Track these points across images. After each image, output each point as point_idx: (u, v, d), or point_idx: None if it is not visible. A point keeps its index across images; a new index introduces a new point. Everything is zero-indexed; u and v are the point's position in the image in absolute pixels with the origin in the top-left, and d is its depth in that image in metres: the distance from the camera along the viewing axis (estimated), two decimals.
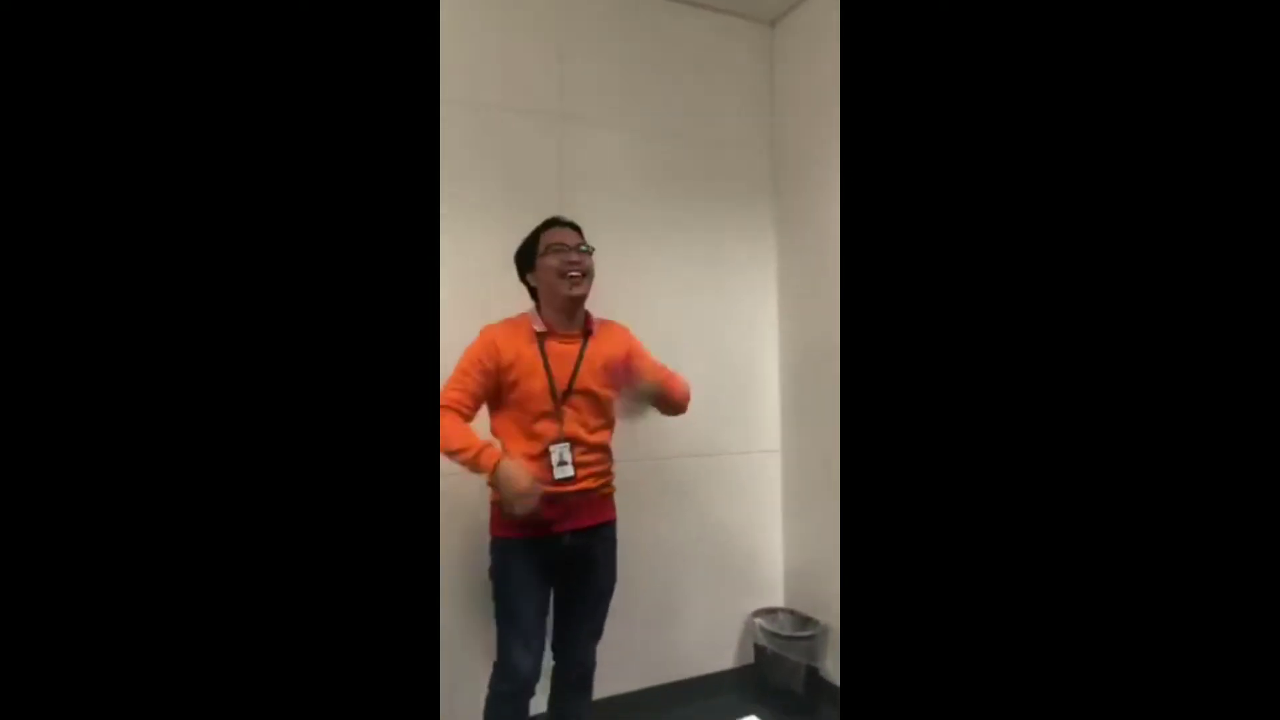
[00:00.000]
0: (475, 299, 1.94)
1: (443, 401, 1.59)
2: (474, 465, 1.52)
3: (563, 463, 1.62)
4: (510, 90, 2.18)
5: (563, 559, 1.67)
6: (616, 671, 2.26)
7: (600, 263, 2.32)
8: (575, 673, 1.77)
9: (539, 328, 1.68)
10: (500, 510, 1.63)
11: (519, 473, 1.51)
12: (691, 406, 2.40)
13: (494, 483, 1.53)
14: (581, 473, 1.65)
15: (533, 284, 1.74)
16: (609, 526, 1.76)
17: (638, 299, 2.34)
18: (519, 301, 1.92)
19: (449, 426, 1.55)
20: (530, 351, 1.64)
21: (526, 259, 1.73)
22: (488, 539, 1.70)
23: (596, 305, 2.28)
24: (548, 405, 1.63)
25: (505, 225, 2.10)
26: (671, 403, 1.76)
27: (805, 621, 2.43)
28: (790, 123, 2.58)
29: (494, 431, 1.68)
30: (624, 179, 2.36)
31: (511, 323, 1.69)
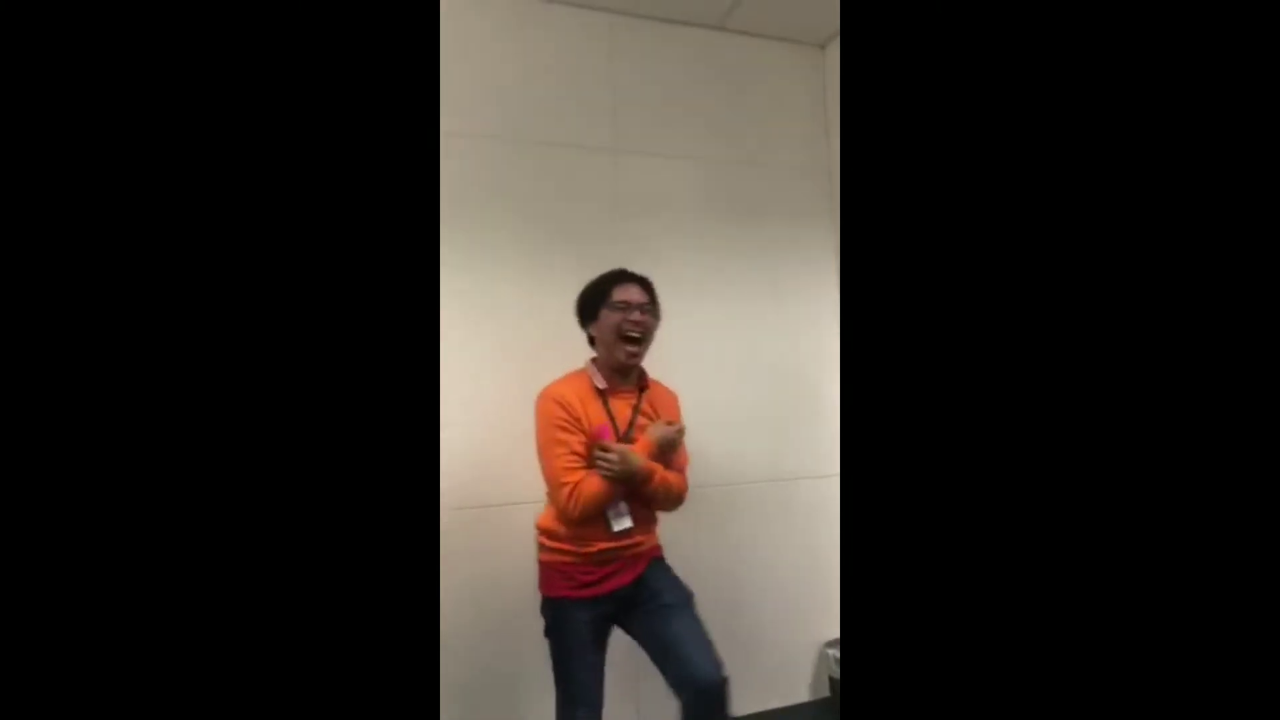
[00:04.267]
0: (535, 334, 1.98)
1: (564, 483, 1.50)
2: (643, 480, 1.53)
3: (620, 515, 1.56)
4: (564, 127, 2.24)
5: (618, 608, 1.60)
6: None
7: (659, 291, 2.34)
8: (704, 699, 1.52)
9: (600, 385, 1.62)
10: (548, 568, 1.60)
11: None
12: (757, 432, 2.38)
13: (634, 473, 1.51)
14: (638, 529, 1.59)
15: (592, 334, 1.68)
16: (656, 560, 1.68)
17: (697, 325, 2.34)
18: (580, 337, 1.95)
19: (592, 487, 1.49)
20: (596, 408, 1.58)
21: (589, 308, 1.66)
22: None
23: (659, 333, 2.30)
24: None
25: (564, 261, 2.15)
26: (666, 487, 1.61)
27: None
28: None
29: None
30: (680, 208, 2.38)
31: (572, 379, 1.63)
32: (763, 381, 2.43)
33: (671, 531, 2.20)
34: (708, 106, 2.46)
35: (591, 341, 1.70)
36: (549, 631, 1.59)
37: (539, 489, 1.63)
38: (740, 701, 2.33)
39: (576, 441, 1.53)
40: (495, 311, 2.10)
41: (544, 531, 1.61)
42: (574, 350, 2.15)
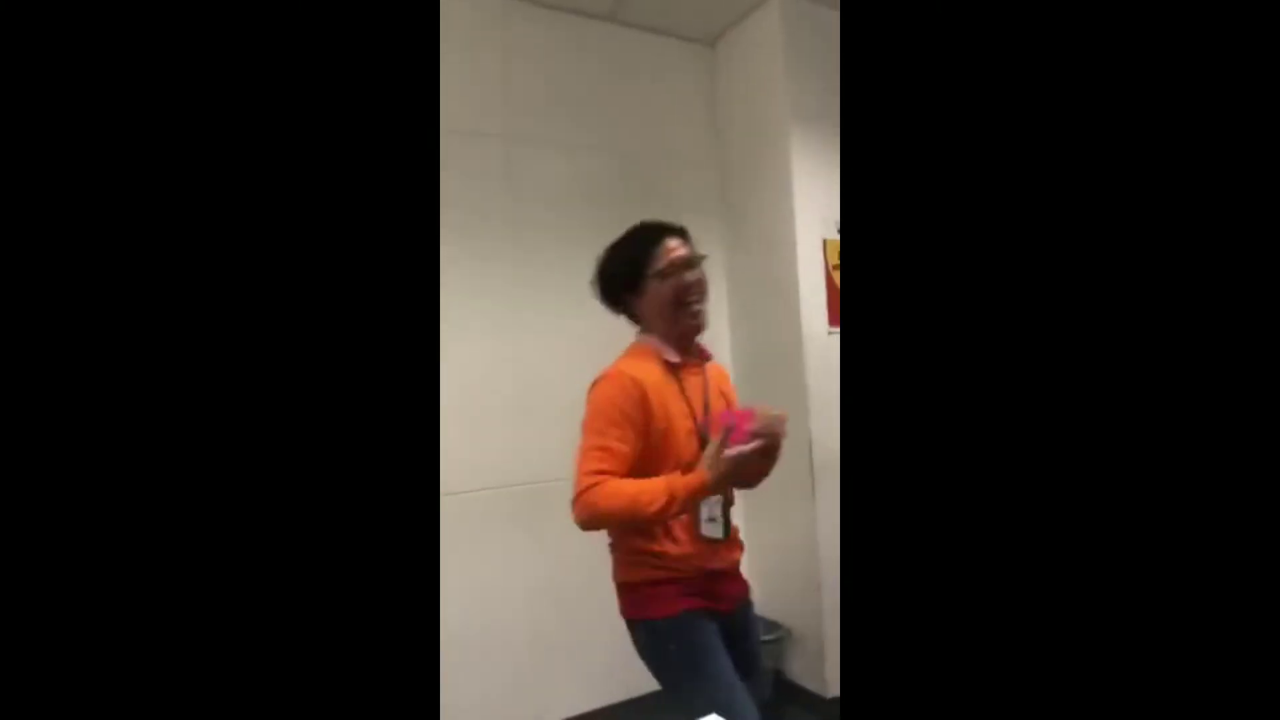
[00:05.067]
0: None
1: (592, 477, 1.16)
2: (681, 507, 1.16)
3: (712, 519, 1.29)
4: (455, 113, 2.20)
5: (727, 638, 1.32)
6: (578, 688, 2.27)
7: (547, 277, 2.34)
8: None
9: (673, 359, 1.32)
10: (660, 586, 1.27)
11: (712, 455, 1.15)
12: None
13: (707, 490, 1.16)
14: (734, 534, 1.35)
15: (634, 310, 1.37)
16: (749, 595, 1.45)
17: (585, 312, 2.36)
18: (466, 331, 1.92)
19: (612, 494, 1.14)
20: (672, 392, 1.28)
21: (628, 281, 1.34)
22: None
23: (540, 319, 2.30)
24: (692, 452, 1.25)
25: (453, 250, 2.11)
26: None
27: (770, 626, 2.45)
28: (735, 140, 2.65)
29: None
30: (571, 197, 2.39)
31: (638, 359, 1.30)
32: None
33: (549, 517, 2.22)
34: (600, 98, 2.48)
35: (630, 316, 1.40)
36: (674, 655, 1.25)
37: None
38: (632, 681, 2.38)
39: (627, 435, 1.20)
40: None
41: (639, 547, 1.28)
42: (475, 342, 2.13)
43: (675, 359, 1.32)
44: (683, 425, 1.27)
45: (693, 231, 2.62)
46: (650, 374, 1.26)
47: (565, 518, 1.16)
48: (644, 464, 1.22)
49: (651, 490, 1.14)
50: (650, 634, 1.28)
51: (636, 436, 1.21)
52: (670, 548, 1.26)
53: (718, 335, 2.64)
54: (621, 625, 1.34)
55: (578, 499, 1.16)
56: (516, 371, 2.26)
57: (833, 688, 2.37)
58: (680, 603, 1.27)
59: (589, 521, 1.17)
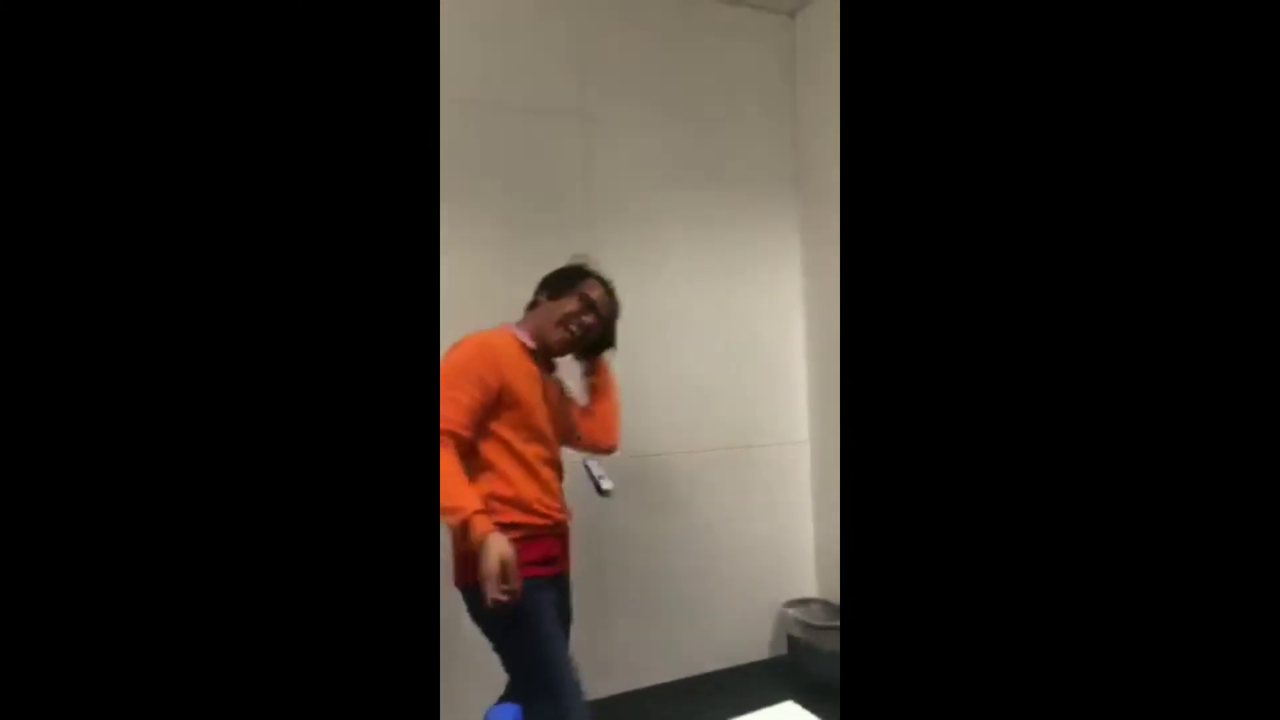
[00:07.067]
0: (498, 306, 1.98)
1: None
2: (463, 531, 1.24)
3: (603, 475, 1.50)
4: (529, 91, 2.21)
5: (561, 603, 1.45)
6: (648, 663, 2.30)
7: (623, 256, 2.33)
8: None
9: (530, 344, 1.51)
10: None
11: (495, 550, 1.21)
12: (719, 399, 2.43)
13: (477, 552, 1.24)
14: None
15: (540, 303, 1.58)
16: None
17: (662, 292, 2.36)
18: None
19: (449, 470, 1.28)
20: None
21: (554, 289, 1.56)
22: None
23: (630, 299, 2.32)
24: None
25: (529, 228, 2.14)
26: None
27: (837, 611, 2.43)
28: (813, 115, 2.57)
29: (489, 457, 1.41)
30: (647, 175, 2.38)
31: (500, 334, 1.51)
32: (728, 348, 2.48)
33: (636, 497, 2.25)
34: (675, 75, 2.43)
35: (532, 306, 1.62)
36: (511, 622, 1.32)
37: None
38: (704, 659, 2.42)
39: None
40: (466, 281, 2.09)
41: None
42: None
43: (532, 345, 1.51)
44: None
45: (765, 214, 2.63)
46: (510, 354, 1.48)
47: None
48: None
49: (457, 494, 1.28)
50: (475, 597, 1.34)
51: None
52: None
53: (792, 316, 2.60)
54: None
55: None
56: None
57: None
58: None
59: None
